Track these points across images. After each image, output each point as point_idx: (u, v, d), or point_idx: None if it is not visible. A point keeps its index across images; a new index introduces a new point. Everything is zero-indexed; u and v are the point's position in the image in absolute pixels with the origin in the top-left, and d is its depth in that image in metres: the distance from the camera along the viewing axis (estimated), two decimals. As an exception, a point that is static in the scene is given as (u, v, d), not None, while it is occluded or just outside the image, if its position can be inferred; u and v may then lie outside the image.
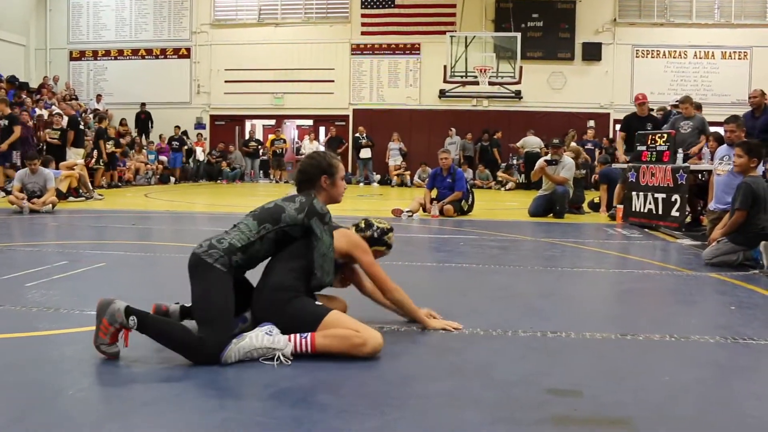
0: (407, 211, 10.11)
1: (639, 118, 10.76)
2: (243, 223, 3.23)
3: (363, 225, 3.74)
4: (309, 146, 21.30)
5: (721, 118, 8.45)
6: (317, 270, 3.21)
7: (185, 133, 21.88)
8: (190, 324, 3.07)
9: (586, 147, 17.40)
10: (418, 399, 2.55)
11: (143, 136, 21.13)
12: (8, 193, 11.36)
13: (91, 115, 19.81)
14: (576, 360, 3.12)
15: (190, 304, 3.33)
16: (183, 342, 2.90)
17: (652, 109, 11.61)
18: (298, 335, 2.97)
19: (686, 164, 8.66)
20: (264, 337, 2.92)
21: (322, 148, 20.86)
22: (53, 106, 18.26)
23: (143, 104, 21.89)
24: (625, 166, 10.03)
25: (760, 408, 2.53)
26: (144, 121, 21.79)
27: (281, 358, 2.91)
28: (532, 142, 19.47)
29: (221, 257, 3.04)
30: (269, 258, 3.29)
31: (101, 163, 16.37)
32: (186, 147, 21.42)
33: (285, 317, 3.04)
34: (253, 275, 3.29)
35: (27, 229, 8.21)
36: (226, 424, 2.29)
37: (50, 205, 9.92)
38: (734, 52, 20.61)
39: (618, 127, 12.24)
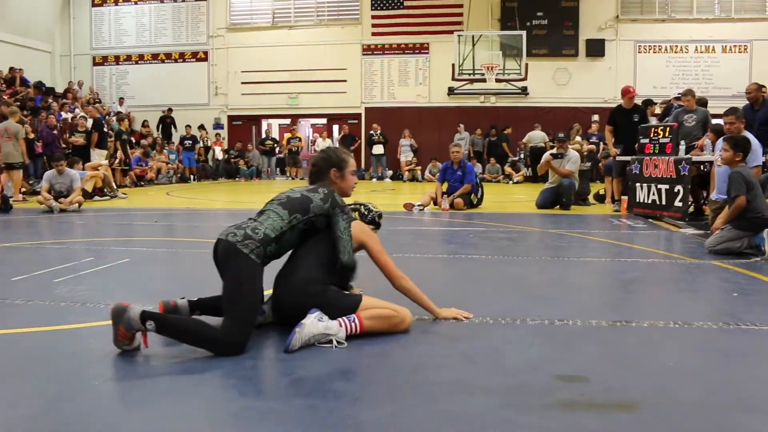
0: (418, 205, 10.10)
1: (624, 110, 10.66)
2: (272, 210, 3.24)
3: (364, 210, 3.85)
4: (322, 144, 21.38)
5: (722, 110, 8.36)
6: (343, 255, 3.31)
7: (202, 126, 22.02)
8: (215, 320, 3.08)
9: (591, 140, 17.34)
10: (430, 386, 2.55)
11: (167, 139, 21.19)
12: (37, 193, 11.46)
13: (114, 118, 19.95)
14: (583, 347, 3.10)
15: (196, 299, 3.34)
16: (205, 336, 2.89)
17: (655, 103, 11.50)
18: (345, 319, 3.09)
19: (688, 156, 8.59)
20: (318, 324, 2.99)
21: (335, 145, 20.99)
22: (76, 110, 18.39)
23: (170, 109, 22.01)
24: (625, 159, 9.95)
25: (762, 391, 2.52)
26: (168, 125, 21.88)
27: (336, 341, 3.00)
28: (536, 137, 19.44)
29: (257, 248, 3.04)
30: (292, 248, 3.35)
31: (116, 163, 16.42)
32: (199, 145, 21.49)
33: (320, 305, 3.08)
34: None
35: (55, 227, 8.27)
36: (245, 411, 2.30)
37: (77, 204, 10.00)
38: (734, 45, 20.43)
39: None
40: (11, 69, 19.05)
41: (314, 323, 2.99)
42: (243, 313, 2.93)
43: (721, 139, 7.80)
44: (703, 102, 10.34)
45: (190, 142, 21.09)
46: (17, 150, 12.54)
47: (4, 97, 16.40)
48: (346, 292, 3.31)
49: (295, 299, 3.14)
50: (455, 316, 3.53)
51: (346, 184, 3.57)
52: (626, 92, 10.76)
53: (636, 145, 9.60)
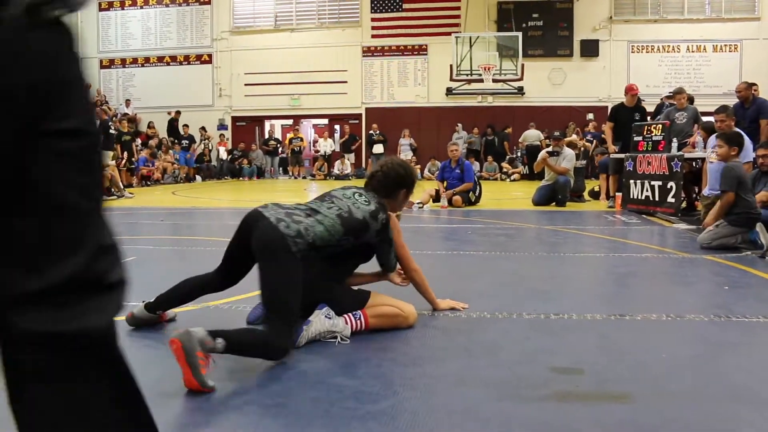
0: (418, 203, 10.10)
1: (627, 108, 10.64)
2: (329, 218, 2.95)
3: None
4: (324, 144, 21.39)
5: (713, 108, 8.37)
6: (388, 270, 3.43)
7: (203, 128, 22.05)
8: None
9: (586, 138, 17.32)
10: (429, 379, 2.55)
11: (175, 140, 21.19)
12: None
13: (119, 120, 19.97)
14: (578, 339, 3.10)
15: (153, 299, 3.20)
16: (264, 344, 2.68)
17: (643, 99, 11.49)
18: (352, 316, 3.08)
19: (680, 153, 8.60)
20: (326, 321, 2.98)
21: (335, 145, 21.12)
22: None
23: (177, 112, 22.00)
24: (621, 156, 9.95)
25: (751, 381, 2.52)
26: (176, 127, 21.86)
27: (340, 338, 3.00)
28: (532, 135, 19.45)
29: (304, 249, 2.80)
30: None
31: (123, 164, 16.40)
32: (195, 145, 21.48)
33: (329, 299, 3.07)
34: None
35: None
36: (247, 405, 2.30)
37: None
38: (725, 45, 20.42)
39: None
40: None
41: (321, 320, 2.98)
42: (291, 316, 2.75)
43: (713, 136, 7.81)
44: (690, 99, 10.36)
45: (187, 142, 21.07)
46: None
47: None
48: (355, 288, 3.30)
49: (307, 290, 3.09)
50: (453, 306, 3.59)
51: (403, 205, 3.56)
52: (629, 90, 10.75)
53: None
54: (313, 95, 22.10)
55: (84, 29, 23.21)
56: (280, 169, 22.68)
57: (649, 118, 11.10)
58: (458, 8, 21.19)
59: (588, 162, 15.42)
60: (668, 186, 8.43)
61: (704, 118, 9.89)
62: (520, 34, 19.87)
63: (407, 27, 21.65)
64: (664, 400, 2.33)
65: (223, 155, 22.24)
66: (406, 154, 20.83)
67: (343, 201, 3.11)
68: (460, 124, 20.63)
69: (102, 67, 23.36)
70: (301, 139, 21.98)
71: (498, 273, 4.93)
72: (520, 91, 20.98)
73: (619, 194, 9.84)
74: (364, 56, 22.06)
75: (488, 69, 19.65)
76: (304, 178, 21.24)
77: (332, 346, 2.94)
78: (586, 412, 2.22)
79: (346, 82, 22.09)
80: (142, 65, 23.22)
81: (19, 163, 0.93)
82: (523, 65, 19.90)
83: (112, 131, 15.98)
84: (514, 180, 18.97)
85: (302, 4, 22.52)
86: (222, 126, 22.97)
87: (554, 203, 10.46)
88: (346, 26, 22.23)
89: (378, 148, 20.68)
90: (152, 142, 19.19)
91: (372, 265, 3.48)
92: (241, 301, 3.69)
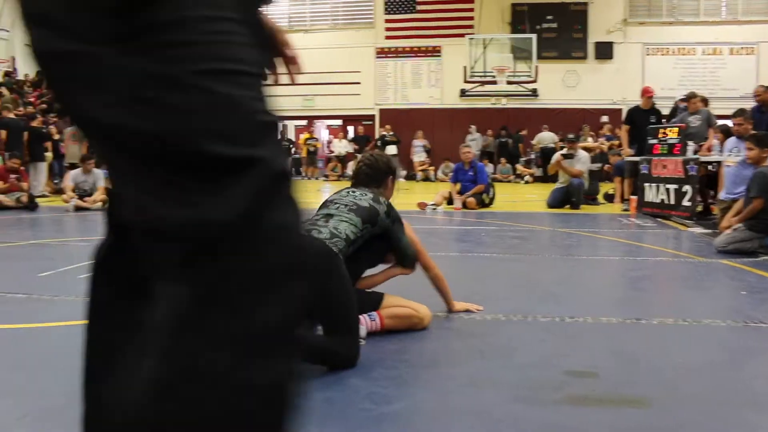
0: (432, 205, 10.09)
1: (643, 111, 10.61)
2: (343, 214, 3.02)
3: None
4: (339, 144, 21.41)
5: (729, 111, 8.32)
6: (407, 264, 3.40)
7: None
8: None
9: (600, 141, 17.26)
10: (443, 381, 2.55)
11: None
12: (62, 192, 11.57)
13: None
14: (593, 343, 3.09)
15: None
16: (333, 356, 2.64)
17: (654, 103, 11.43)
18: (367, 317, 3.06)
19: (696, 156, 8.54)
20: None
21: (349, 146, 21.15)
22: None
23: None
24: (636, 159, 9.90)
25: (770, 388, 2.50)
26: None
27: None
28: (546, 137, 19.39)
29: (343, 248, 2.82)
30: None
31: None
32: None
33: None
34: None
35: (80, 225, 8.34)
36: (265, 405, 2.30)
37: (100, 203, 10.06)
38: (742, 47, 20.26)
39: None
40: (38, 72, 19.17)
41: None
42: (354, 323, 2.73)
43: (731, 139, 7.76)
44: (704, 101, 10.31)
45: None
46: (81, 152, 13.25)
47: (30, 99, 16.54)
48: (369, 290, 3.30)
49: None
50: (467, 308, 3.60)
51: (393, 192, 3.58)
52: (645, 92, 10.71)
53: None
54: (327, 96, 22.13)
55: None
56: (293, 169, 22.71)
57: (664, 121, 11.05)
58: (472, 10, 21.18)
59: (602, 164, 15.36)
60: (684, 189, 8.38)
61: (718, 122, 9.83)
62: (534, 36, 19.84)
63: (421, 28, 21.66)
64: (680, 405, 2.31)
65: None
66: (419, 156, 20.85)
67: (345, 199, 3.18)
68: (473, 126, 20.60)
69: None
70: (316, 140, 22.01)
71: (512, 275, 4.92)
72: (534, 93, 20.93)
73: (634, 197, 9.79)
74: (377, 57, 22.07)
75: (502, 71, 19.65)
76: (317, 179, 21.28)
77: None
78: (601, 416, 2.22)
79: (359, 83, 22.10)
80: (156, 65, 23.34)
81: None
82: (537, 67, 19.86)
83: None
84: (528, 182, 18.93)
85: (316, 5, 22.58)
86: (235, 126, 23.02)
87: (568, 206, 10.42)
88: (359, 27, 22.26)
89: (391, 149, 20.67)
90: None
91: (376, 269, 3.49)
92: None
